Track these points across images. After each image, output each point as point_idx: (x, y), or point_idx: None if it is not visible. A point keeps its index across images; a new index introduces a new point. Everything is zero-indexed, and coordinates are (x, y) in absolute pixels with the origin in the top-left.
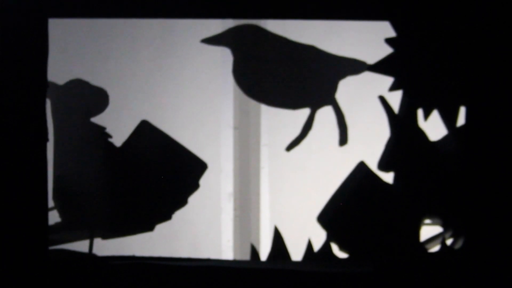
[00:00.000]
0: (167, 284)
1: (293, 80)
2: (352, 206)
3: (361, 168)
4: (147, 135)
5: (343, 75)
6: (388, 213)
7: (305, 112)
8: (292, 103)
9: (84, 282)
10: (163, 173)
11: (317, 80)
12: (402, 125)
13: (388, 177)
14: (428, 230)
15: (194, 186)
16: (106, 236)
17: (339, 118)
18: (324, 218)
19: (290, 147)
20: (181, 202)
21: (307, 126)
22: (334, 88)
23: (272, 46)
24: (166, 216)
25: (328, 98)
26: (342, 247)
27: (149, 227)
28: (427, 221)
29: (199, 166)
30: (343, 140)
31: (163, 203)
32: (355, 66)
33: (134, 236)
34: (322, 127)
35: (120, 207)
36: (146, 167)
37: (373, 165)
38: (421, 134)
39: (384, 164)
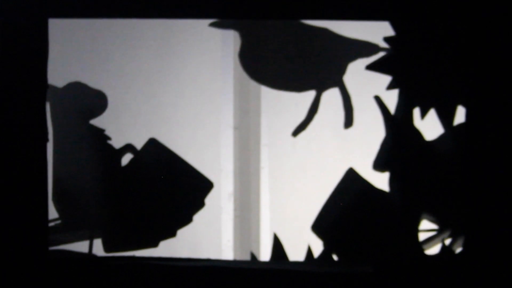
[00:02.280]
0: (167, 284)
1: (302, 62)
2: (345, 213)
3: (351, 175)
4: (154, 152)
5: (354, 57)
6: (383, 217)
7: (304, 111)
8: (297, 85)
9: (84, 282)
10: (169, 191)
11: (327, 61)
12: (397, 125)
13: (381, 180)
14: (426, 232)
15: (200, 204)
16: (109, 250)
17: (345, 100)
18: (319, 227)
19: (296, 132)
20: (186, 220)
21: (313, 109)
22: (343, 70)
23: (283, 28)
24: (171, 233)
25: (335, 80)
26: (339, 255)
27: (153, 244)
28: (425, 222)
29: (206, 185)
30: (348, 122)
31: (168, 220)
32: (367, 49)
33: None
34: (322, 127)
35: (125, 223)
36: (152, 184)
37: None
38: (417, 134)
39: (379, 164)
